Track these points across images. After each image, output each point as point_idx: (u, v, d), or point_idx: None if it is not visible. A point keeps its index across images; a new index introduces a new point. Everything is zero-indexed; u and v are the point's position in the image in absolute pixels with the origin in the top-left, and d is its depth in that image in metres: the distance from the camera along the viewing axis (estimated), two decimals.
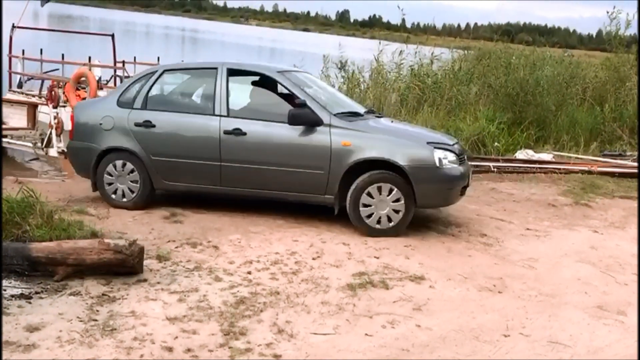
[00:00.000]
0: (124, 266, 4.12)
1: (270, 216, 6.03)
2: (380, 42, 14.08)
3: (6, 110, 9.57)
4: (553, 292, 4.61)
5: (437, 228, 6.07)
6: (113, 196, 6.13)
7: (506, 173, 9.25)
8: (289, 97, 5.94)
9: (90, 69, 9.99)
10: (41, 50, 11.39)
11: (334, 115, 5.79)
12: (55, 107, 8.62)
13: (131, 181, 6.09)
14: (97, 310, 3.65)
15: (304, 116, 5.68)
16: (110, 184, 6.13)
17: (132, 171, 6.07)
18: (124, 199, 6.11)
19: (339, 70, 14.48)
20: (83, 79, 9.26)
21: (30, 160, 8.92)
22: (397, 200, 5.60)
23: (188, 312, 3.74)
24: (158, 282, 4.16)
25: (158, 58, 12.55)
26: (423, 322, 3.88)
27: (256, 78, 6.39)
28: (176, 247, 4.95)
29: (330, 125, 5.68)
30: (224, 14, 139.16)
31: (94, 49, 12.49)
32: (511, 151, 10.61)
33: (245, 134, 5.80)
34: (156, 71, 6.38)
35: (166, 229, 5.49)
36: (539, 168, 9.52)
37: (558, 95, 12.40)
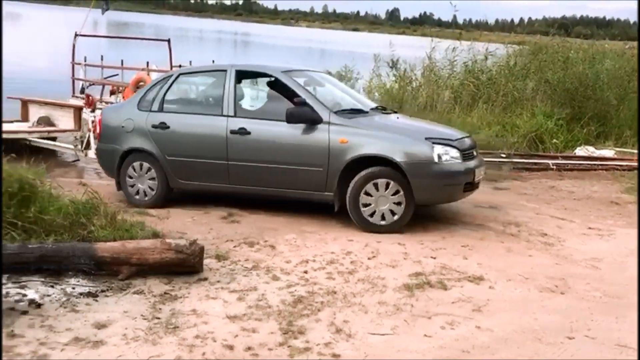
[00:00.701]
0: (185, 265, 4.22)
1: (324, 216, 6.05)
2: (432, 40, 13.93)
3: (55, 113, 10.10)
4: (619, 293, 4.45)
5: (495, 228, 5.95)
6: (136, 197, 6.37)
7: (566, 170, 9.00)
8: (294, 97, 5.99)
9: (148, 74, 10.29)
10: (102, 56, 11.78)
11: (334, 112, 5.83)
12: (93, 110, 8.93)
13: (149, 180, 6.34)
14: (160, 309, 3.75)
15: (302, 114, 5.76)
16: (132, 185, 6.40)
17: (149, 171, 6.32)
18: (146, 198, 6.34)
19: (390, 69, 14.42)
20: (141, 83, 9.54)
21: (73, 161, 9.27)
22: (396, 192, 5.57)
23: (247, 311, 3.79)
24: (218, 281, 4.24)
25: (213, 61, 12.78)
26: (483, 323, 3.81)
27: (264, 79, 6.54)
28: (234, 247, 5.03)
29: (329, 123, 5.73)
30: (274, 17, 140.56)
31: (151, 54, 12.83)
32: (570, 148, 10.30)
33: (249, 133, 5.93)
34: (172, 75, 6.65)
35: (224, 229, 5.59)
36: (601, 165, 9.22)
37: (619, 90, 11.95)
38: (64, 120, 9.94)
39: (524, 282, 4.55)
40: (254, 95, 6.65)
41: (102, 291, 3.92)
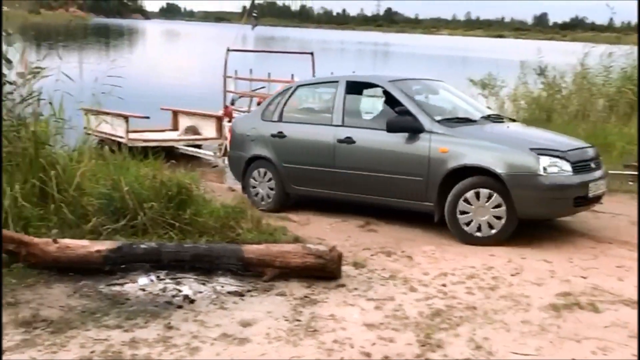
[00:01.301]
0: (324, 271, 4.33)
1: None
2: (585, 45, 13.06)
3: (201, 122, 11.15)
4: None
5: None
6: (262, 202, 6.69)
7: None
8: (398, 106, 6.01)
9: None
10: (250, 70, 12.49)
11: (437, 121, 5.77)
12: (229, 120, 9.49)
13: (268, 186, 6.64)
14: (301, 311, 3.88)
15: (403, 123, 5.80)
16: (254, 189, 6.82)
17: (267, 175, 6.70)
18: (262, 202, 6.71)
19: (537, 76, 13.72)
20: None
21: (213, 167, 9.92)
22: (498, 206, 5.37)
23: (385, 320, 3.80)
24: (355, 288, 4.30)
25: (353, 72, 13.02)
26: None
27: (373, 89, 6.66)
28: (371, 255, 5.07)
29: (431, 132, 5.70)
30: (415, 26, 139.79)
31: (295, 66, 13.34)
32: None
33: (354, 142, 6.09)
34: (292, 87, 7.08)
35: (361, 237, 5.66)
36: None
37: None
38: (208, 129, 10.83)
39: None
40: (364, 105, 6.78)
41: (248, 291, 4.14)
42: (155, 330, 3.52)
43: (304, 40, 61.18)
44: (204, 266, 4.31)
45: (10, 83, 5.21)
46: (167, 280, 4.20)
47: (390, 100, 6.22)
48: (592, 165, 5.69)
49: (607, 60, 12.71)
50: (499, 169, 5.33)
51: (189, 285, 4.15)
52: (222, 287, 4.17)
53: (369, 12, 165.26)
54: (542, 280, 4.57)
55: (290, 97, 6.88)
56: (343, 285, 4.33)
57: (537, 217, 5.70)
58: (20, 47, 5.58)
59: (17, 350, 3.24)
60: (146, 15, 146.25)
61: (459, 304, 4.10)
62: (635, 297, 4.26)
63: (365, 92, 6.85)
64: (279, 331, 3.59)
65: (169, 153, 9.27)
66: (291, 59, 15.25)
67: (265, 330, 3.59)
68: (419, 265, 4.87)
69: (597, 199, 5.72)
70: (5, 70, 5.28)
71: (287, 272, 4.33)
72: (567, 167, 5.40)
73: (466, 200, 5.47)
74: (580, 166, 5.51)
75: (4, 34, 5.97)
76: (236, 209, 5.38)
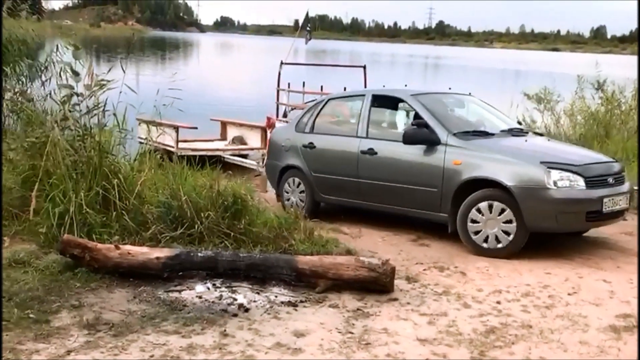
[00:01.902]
0: (377, 284, 4.33)
1: None
2: None
3: (247, 133, 11.64)
4: None
5: None
6: (291, 208, 6.61)
7: None
8: (419, 118, 6.16)
9: None
10: (303, 83, 12.65)
11: (453, 134, 5.86)
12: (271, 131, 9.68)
13: (300, 195, 6.93)
14: (353, 324, 3.89)
15: (419, 135, 5.95)
16: (287, 197, 7.04)
17: (299, 184, 6.93)
18: (293, 209, 6.61)
19: (595, 91, 13.36)
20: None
21: (256, 175, 10.10)
22: (509, 221, 5.41)
23: (438, 336, 3.78)
24: (408, 303, 4.29)
25: (405, 85, 13.00)
26: None
27: (396, 102, 6.74)
28: (424, 270, 5.05)
29: (446, 144, 5.82)
30: (467, 39, 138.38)
31: (347, 80, 13.42)
32: None
33: (376, 153, 6.29)
34: (324, 99, 7.36)
35: (413, 251, 5.64)
36: None
37: None
38: (254, 139, 11.18)
39: None
40: (388, 117, 6.89)
41: (301, 301, 4.19)
42: (212, 337, 3.61)
43: (354, 53, 61.42)
44: (259, 275, 4.38)
45: (78, 95, 5.46)
46: (223, 289, 4.29)
47: (411, 113, 6.44)
48: (611, 180, 5.62)
49: None
50: (509, 182, 5.40)
51: (244, 294, 4.23)
52: (276, 296, 4.24)
53: (420, 25, 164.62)
54: (600, 301, 4.45)
55: (322, 109, 7.14)
56: (396, 299, 4.32)
57: (547, 231, 5.68)
58: (86, 60, 5.84)
59: (81, 351, 3.38)
60: (201, 28, 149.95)
61: (514, 321, 4.04)
62: None
63: (390, 105, 6.95)
64: (332, 343, 3.61)
65: (217, 161, 9.59)
66: (344, 72, 15.36)
67: (319, 341, 3.63)
68: (472, 282, 4.81)
69: (616, 214, 5.66)
70: (72, 82, 5.54)
71: (340, 284, 4.36)
72: (580, 181, 5.40)
73: (479, 211, 5.55)
74: (595, 181, 5.48)
75: (68, 47, 6.29)
76: (289, 220, 5.45)
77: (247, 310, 4.01)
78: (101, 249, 4.40)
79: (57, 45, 6.92)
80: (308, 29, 14.09)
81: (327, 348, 3.55)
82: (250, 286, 4.35)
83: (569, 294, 4.57)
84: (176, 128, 10.21)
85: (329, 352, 3.51)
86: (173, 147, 10.14)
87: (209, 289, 4.28)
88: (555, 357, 3.55)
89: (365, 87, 12.68)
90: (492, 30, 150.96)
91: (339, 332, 3.76)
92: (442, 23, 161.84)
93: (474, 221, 5.57)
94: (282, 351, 3.50)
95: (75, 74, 5.48)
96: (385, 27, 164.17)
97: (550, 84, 13.57)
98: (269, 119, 10.88)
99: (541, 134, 6.86)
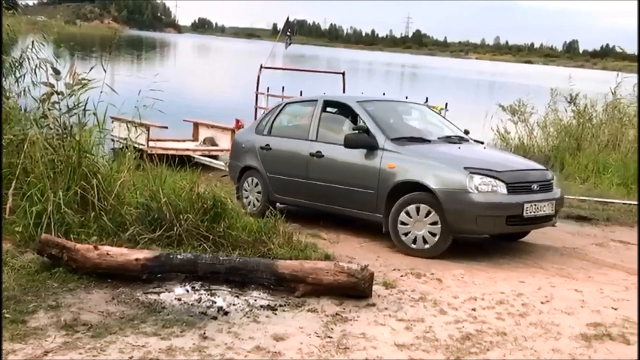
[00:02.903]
0: (356, 289, 4.38)
1: (494, 254, 5.94)
2: (618, 74, 13.00)
3: (218, 134, 11.80)
4: None
5: None
6: (251, 208, 7.11)
7: None
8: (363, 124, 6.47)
9: None
10: (283, 87, 12.68)
11: (390, 140, 6.15)
12: None
13: (257, 193, 7.19)
14: (332, 328, 3.93)
15: (359, 140, 6.28)
16: (246, 197, 7.31)
17: (257, 185, 7.21)
18: (249, 207, 7.11)
19: (568, 104, 13.65)
20: None
21: (222, 176, 10.15)
22: (435, 223, 5.70)
23: (415, 341, 3.83)
24: (386, 308, 4.34)
25: (384, 93, 13.11)
26: None
27: (345, 108, 6.97)
28: (401, 276, 5.11)
29: (383, 149, 6.11)
30: (444, 49, 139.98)
31: (326, 86, 13.49)
32: None
33: (323, 155, 6.58)
34: (281, 104, 7.76)
35: (391, 257, 5.70)
36: None
37: None
38: (224, 141, 11.35)
39: None
40: (336, 122, 7.08)
41: (281, 305, 4.21)
42: (191, 339, 3.61)
43: (332, 59, 61.63)
44: (238, 279, 4.39)
45: (58, 93, 5.41)
46: (202, 291, 4.29)
47: (356, 119, 6.71)
48: (535, 187, 5.91)
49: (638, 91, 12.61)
50: (434, 185, 5.70)
51: (223, 297, 4.24)
52: (255, 300, 4.25)
53: (398, 34, 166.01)
54: (572, 310, 4.56)
55: (279, 113, 7.47)
56: (373, 305, 4.37)
57: (469, 233, 6.02)
58: (68, 59, 5.80)
59: (58, 352, 3.35)
60: (179, 29, 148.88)
61: (488, 328, 4.12)
62: None
63: (339, 110, 7.17)
64: (311, 347, 3.64)
65: (187, 161, 9.71)
66: (323, 78, 15.42)
67: (298, 345, 3.65)
68: (448, 288, 4.89)
69: (539, 220, 5.92)
70: (53, 81, 5.48)
71: (319, 289, 4.39)
72: (501, 186, 5.66)
73: (407, 213, 5.83)
74: (517, 187, 5.76)
75: (43, 44, 6.22)
76: (268, 224, 5.47)
77: (226, 313, 4.02)
78: (80, 249, 4.36)
79: (33, 42, 6.84)
80: (288, 33, 14.12)
81: (306, 352, 3.58)
82: (230, 289, 4.36)
83: (542, 303, 4.68)
84: (147, 127, 10.25)
85: (308, 356, 3.54)
86: (144, 145, 10.16)
87: (188, 291, 4.28)
88: None
89: (344, 93, 12.77)
90: (468, 41, 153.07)
91: (318, 337, 3.79)
92: (419, 32, 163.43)
93: (403, 223, 5.85)
94: (261, 355, 3.51)
95: (57, 72, 5.43)
96: (363, 34, 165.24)
97: (525, 96, 13.85)
98: (237, 121, 11.10)
99: (481, 142, 7.12)
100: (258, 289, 4.39)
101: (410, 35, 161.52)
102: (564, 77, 14.21)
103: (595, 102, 13.23)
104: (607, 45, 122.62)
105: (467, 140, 6.86)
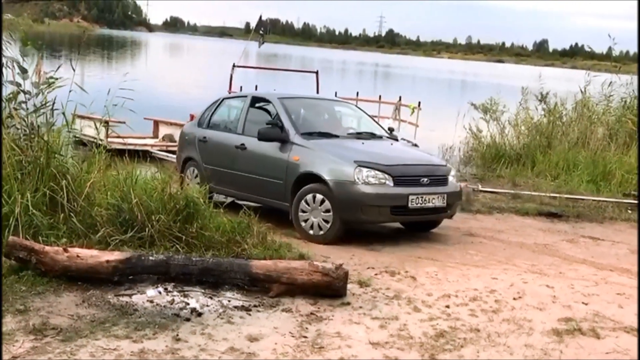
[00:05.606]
0: (330, 288, 4.37)
1: (467, 251, 5.99)
2: (588, 73, 13.22)
3: (177, 131, 11.46)
4: None
5: None
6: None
7: None
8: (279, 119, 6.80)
9: None
10: (256, 86, 12.63)
11: (300, 134, 6.53)
12: None
13: (197, 185, 7.18)
14: (307, 328, 3.92)
15: (271, 133, 6.64)
16: (187, 182, 7.30)
17: (196, 176, 7.51)
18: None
19: (539, 103, 13.85)
20: None
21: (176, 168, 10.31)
22: (328, 211, 6.05)
23: (389, 339, 3.84)
24: (360, 307, 4.34)
25: (357, 93, 13.15)
26: None
27: (267, 103, 7.27)
28: (376, 275, 5.12)
29: (293, 143, 6.49)
30: (416, 48, 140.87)
31: (300, 85, 13.49)
32: None
33: (245, 148, 6.94)
34: (219, 99, 8.01)
35: (365, 256, 5.71)
36: None
37: None
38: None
39: None
40: (261, 116, 7.26)
41: (255, 306, 4.18)
42: (164, 342, 3.56)
43: (306, 59, 61.62)
44: (212, 280, 4.35)
45: (25, 92, 5.28)
46: (175, 293, 4.24)
47: (274, 114, 7.02)
48: (425, 180, 6.22)
49: (607, 89, 12.86)
50: (327, 176, 6.10)
51: (197, 299, 4.19)
52: (229, 301, 4.21)
53: (371, 33, 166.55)
54: (544, 305, 4.63)
55: (217, 108, 7.80)
56: (348, 304, 4.37)
57: (357, 222, 6.30)
58: (35, 57, 5.66)
59: (27, 357, 3.28)
60: (150, 28, 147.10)
61: (462, 325, 4.15)
62: (636, 325, 4.32)
63: (264, 105, 7.37)
64: (286, 347, 3.62)
65: (147, 157, 9.93)
66: (296, 77, 15.41)
67: (272, 345, 3.63)
68: (422, 286, 4.92)
69: (426, 211, 6.23)
70: (20, 80, 5.36)
71: (293, 289, 4.37)
72: (388, 179, 6.01)
73: (306, 202, 6.19)
74: (404, 180, 6.11)
75: (10, 42, 6.08)
76: (242, 224, 5.43)
77: (199, 314, 3.98)
78: (49, 252, 4.27)
79: None
80: (261, 32, 14.05)
81: (280, 352, 3.56)
82: (203, 290, 4.31)
83: (514, 299, 4.73)
84: (107, 122, 10.30)
85: (283, 356, 3.52)
86: (103, 140, 10.22)
87: (160, 293, 4.22)
88: None
89: (317, 92, 12.77)
90: (440, 40, 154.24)
91: (293, 337, 3.77)
92: (392, 32, 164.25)
93: (302, 211, 6.21)
94: (235, 356, 3.48)
95: (23, 70, 5.30)
96: (337, 33, 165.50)
97: (496, 95, 14.01)
98: (192, 116, 11.13)
99: (395, 138, 7.48)
100: (232, 290, 4.36)
101: (383, 34, 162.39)
102: (534, 76, 14.38)
103: (565, 100, 13.45)
104: (577, 44, 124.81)
105: (380, 137, 7.17)
